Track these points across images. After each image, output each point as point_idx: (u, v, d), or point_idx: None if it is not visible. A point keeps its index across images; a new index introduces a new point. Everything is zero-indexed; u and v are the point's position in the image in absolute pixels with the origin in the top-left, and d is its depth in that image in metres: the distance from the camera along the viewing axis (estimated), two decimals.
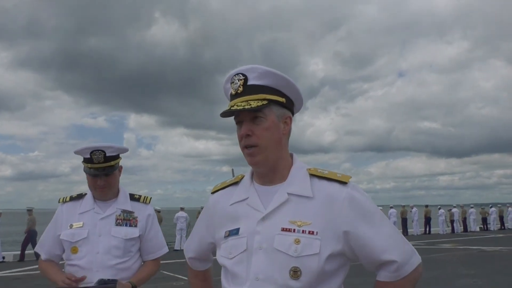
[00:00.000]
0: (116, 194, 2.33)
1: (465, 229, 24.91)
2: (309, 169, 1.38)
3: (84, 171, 2.25)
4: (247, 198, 1.38)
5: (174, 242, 16.81)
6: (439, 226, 23.93)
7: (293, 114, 1.44)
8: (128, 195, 2.36)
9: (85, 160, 2.23)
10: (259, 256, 1.27)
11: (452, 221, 24.45)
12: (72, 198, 2.35)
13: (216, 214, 1.46)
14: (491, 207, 27.73)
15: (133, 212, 2.30)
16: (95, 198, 2.30)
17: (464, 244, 16.72)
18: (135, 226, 2.27)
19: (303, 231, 1.25)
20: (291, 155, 1.43)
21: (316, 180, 1.34)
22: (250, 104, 1.29)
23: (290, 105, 1.40)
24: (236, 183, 1.48)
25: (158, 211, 17.26)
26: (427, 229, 23.50)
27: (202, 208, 1.77)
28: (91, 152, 2.19)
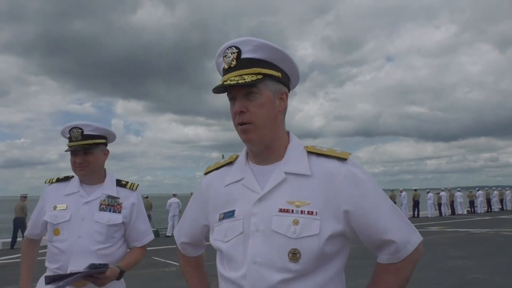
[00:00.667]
0: (102, 179, 2.30)
1: (453, 212, 25.31)
2: (307, 147, 1.31)
3: (65, 151, 2.22)
4: (243, 178, 1.31)
5: (167, 228, 16.77)
6: (428, 210, 24.28)
7: (289, 90, 1.36)
8: (115, 181, 2.32)
9: (68, 140, 2.22)
10: (256, 239, 1.21)
11: (439, 205, 24.83)
12: (58, 180, 2.34)
13: (210, 196, 1.39)
14: (478, 190, 28.18)
15: (118, 198, 2.26)
16: (81, 182, 2.28)
17: (452, 226, 16.99)
18: (119, 212, 2.23)
19: (301, 212, 1.19)
20: (288, 133, 1.36)
21: (314, 157, 1.28)
22: (244, 79, 1.21)
23: (286, 80, 1.33)
24: (230, 163, 1.41)
25: (146, 197, 17.20)
26: (416, 212, 23.81)
27: (192, 194, 1.70)
28: (70, 130, 2.19)
